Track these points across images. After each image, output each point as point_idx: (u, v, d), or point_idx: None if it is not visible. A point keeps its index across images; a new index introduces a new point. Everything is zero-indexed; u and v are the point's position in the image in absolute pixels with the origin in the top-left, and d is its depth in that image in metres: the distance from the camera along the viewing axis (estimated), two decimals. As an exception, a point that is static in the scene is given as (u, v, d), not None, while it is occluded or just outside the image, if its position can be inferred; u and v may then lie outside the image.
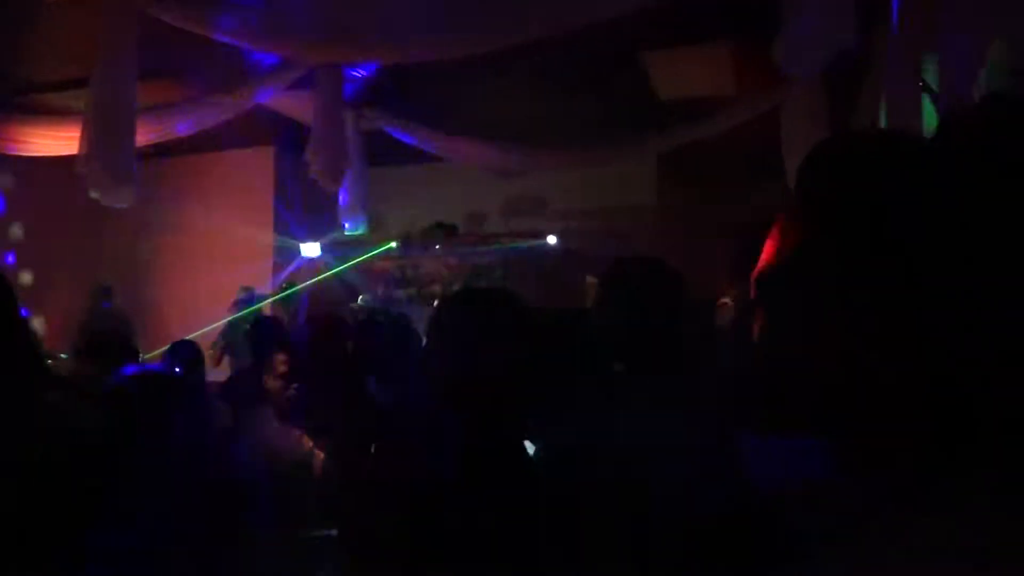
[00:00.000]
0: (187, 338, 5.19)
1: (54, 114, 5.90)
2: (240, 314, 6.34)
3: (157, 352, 5.12)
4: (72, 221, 7.29)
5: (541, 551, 1.40)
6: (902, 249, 0.66)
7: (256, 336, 4.03)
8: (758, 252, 0.76)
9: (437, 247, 8.13)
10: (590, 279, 7.16)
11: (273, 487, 2.86)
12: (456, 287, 7.78)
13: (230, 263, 7.62)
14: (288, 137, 7.14)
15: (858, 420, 0.69)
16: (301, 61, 5.35)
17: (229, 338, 6.02)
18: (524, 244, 8.23)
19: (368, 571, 1.82)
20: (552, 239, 8.16)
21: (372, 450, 2.08)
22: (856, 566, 0.65)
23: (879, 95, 4.15)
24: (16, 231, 7.58)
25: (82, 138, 4.42)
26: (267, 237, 8.09)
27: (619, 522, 1.43)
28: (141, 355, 4.95)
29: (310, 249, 8.07)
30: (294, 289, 6.99)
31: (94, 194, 4.50)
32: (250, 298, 6.70)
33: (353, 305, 7.02)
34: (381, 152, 7.10)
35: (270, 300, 6.93)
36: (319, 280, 7.68)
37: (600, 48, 5.55)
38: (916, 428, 0.65)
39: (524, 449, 1.66)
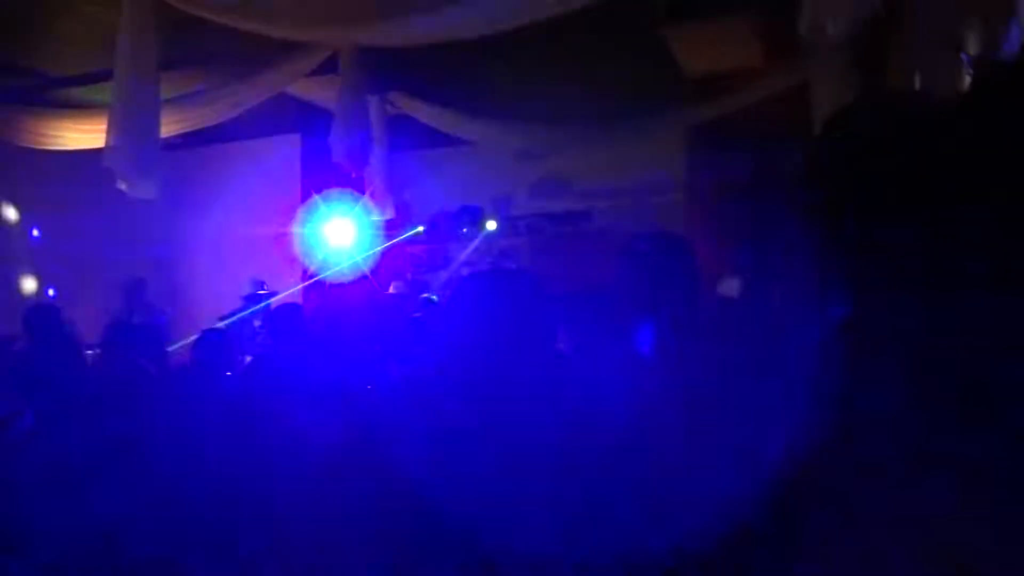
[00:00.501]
0: (217, 326, 5.27)
1: (80, 108, 5.98)
2: (251, 309, 6.41)
3: (188, 340, 5.18)
4: (105, 213, 7.39)
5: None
6: (916, 217, 0.63)
7: (275, 324, 4.06)
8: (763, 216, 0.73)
9: (464, 230, 8.11)
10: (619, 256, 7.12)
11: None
12: (479, 269, 7.79)
13: (258, 251, 7.69)
14: (314, 124, 7.16)
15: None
16: (322, 46, 5.34)
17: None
18: (551, 225, 8.19)
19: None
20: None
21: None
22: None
23: (911, 58, 4.04)
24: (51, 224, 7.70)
25: (108, 131, 4.45)
26: (295, 225, 8.12)
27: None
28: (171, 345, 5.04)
29: (338, 236, 8.11)
30: (315, 279, 7.02)
31: (122, 186, 4.54)
32: (258, 292, 6.75)
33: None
34: (405, 136, 7.09)
35: (290, 292, 6.97)
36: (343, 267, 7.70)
37: (624, 25, 5.47)
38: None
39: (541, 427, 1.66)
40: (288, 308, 5.05)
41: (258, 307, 6.43)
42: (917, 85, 3.75)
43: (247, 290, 6.76)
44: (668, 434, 1.57)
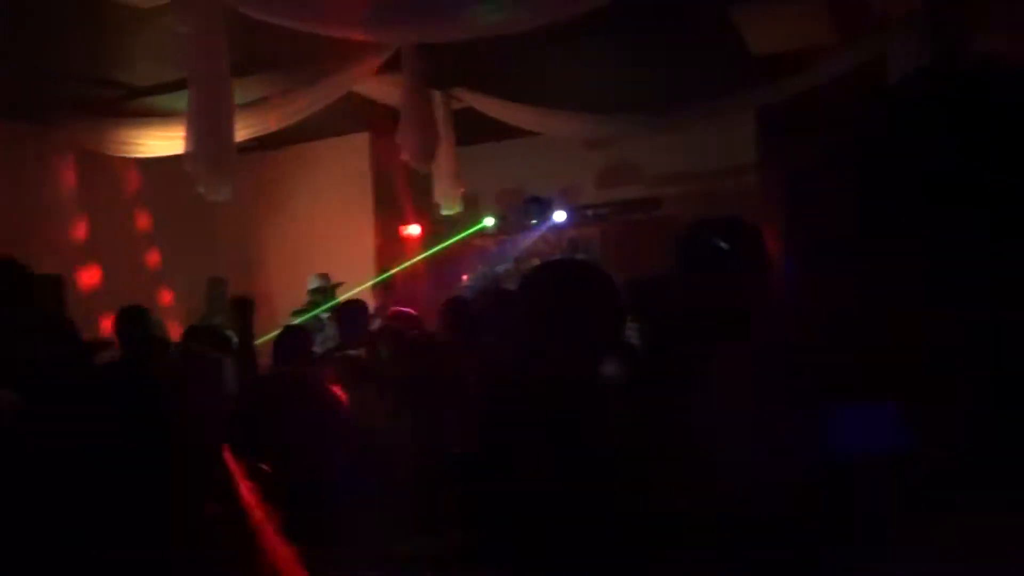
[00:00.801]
0: (294, 323, 5.41)
1: (160, 116, 6.21)
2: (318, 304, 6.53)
3: (268, 337, 5.33)
4: (190, 215, 7.67)
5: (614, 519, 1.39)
6: (980, 198, 0.59)
7: (344, 318, 4.14)
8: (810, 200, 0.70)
9: (533, 221, 8.11)
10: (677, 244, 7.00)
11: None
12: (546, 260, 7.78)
13: (333, 249, 7.85)
14: (381, 122, 7.26)
15: (933, 385, 0.63)
16: (386, 44, 5.41)
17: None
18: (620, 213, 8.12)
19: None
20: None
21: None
22: (931, 536, 0.60)
23: (993, 27, 3.86)
24: (146, 225, 8.02)
25: (186, 138, 4.61)
26: (367, 222, 8.27)
27: (688, 490, 1.39)
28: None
29: (410, 231, 8.22)
30: (388, 274, 7.12)
31: (200, 189, 4.70)
32: (324, 287, 6.87)
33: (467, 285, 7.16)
34: (472, 130, 7.13)
35: (361, 288, 7.08)
36: (413, 263, 7.81)
37: (690, 6, 5.37)
38: (991, 395, 0.59)
39: (600, 415, 1.65)
40: (354, 304, 5.18)
41: (325, 301, 6.56)
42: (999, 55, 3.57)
43: (313, 284, 6.89)
44: (735, 427, 1.55)
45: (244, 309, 3.98)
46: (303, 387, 3.28)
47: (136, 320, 4.72)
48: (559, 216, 8.03)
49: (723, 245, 1.67)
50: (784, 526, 1.20)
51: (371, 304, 6.54)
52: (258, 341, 6.11)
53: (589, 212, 8.24)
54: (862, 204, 0.66)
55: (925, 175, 0.63)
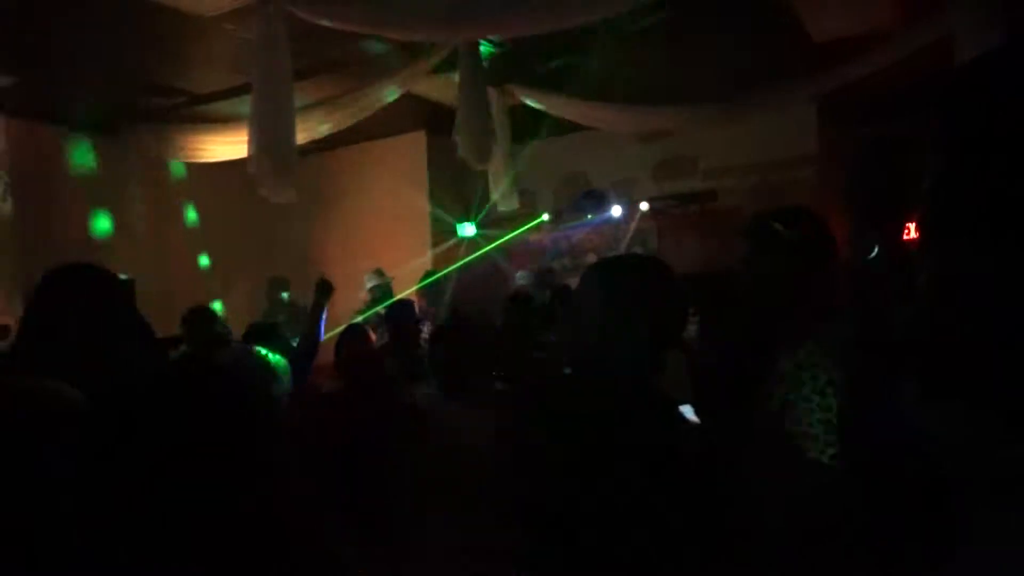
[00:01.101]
0: (355, 322, 5.49)
1: (223, 121, 6.36)
2: (375, 302, 6.59)
3: (329, 336, 5.42)
4: (249, 216, 7.87)
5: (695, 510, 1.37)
6: None
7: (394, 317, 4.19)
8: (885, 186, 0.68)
9: (588, 216, 8.09)
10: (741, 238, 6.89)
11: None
12: (611, 254, 7.74)
13: (391, 248, 7.95)
14: (437, 120, 7.32)
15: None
16: (441, 44, 5.45)
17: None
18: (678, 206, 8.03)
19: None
20: (645, 206, 7.94)
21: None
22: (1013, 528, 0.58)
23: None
24: (200, 228, 8.25)
25: (249, 141, 4.71)
26: (424, 220, 8.35)
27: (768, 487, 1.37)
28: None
29: (466, 229, 8.27)
30: (438, 275, 7.14)
31: (263, 192, 4.80)
32: (381, 283, 6.92)
33: (518, 280, 7.15)
34: (527, 127, 7.13)
35: (415, 288, 7.13)
36: (470, 260, 7.84)
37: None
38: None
39: (676, 412, 1.63)
40: (403, 304, 5.25)
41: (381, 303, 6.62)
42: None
43: (371, 281, 6.95)
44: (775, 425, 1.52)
45: (324, 290, 4.35)
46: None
47: (203, 319, 4.86)
48: (616, 210, 7.99)
49: (790, 235, 1.63)
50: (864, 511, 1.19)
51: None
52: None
53: (645, 205, 8.16)
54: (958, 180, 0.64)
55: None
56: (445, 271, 7.47)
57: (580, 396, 1.71)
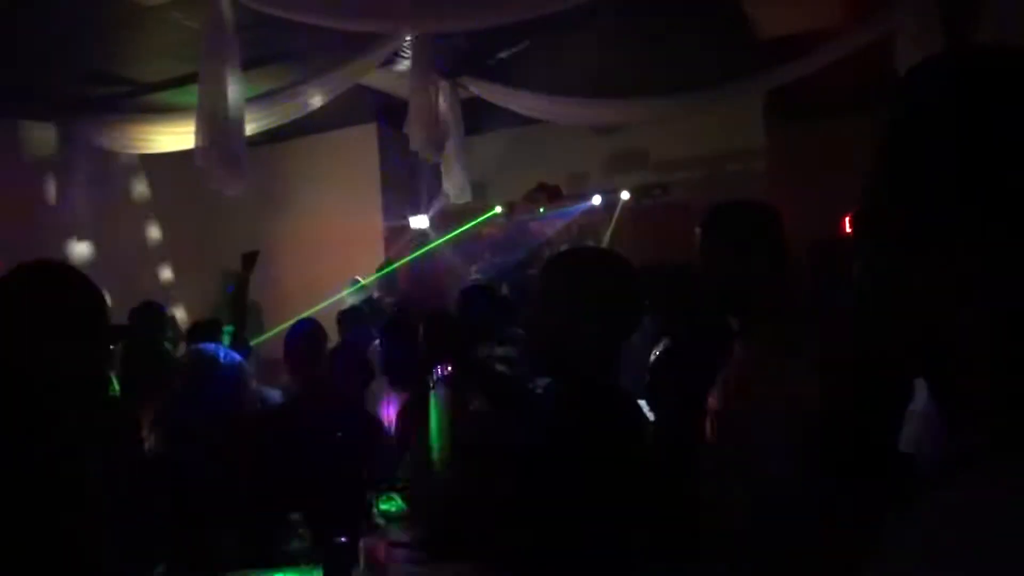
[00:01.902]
0: (306, 315, 5.42)
1: (169, 111, 6.22)
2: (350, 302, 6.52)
3: (280, 329, 5.36)
4: (198, 212, 7.73)
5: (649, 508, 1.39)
6: (1006, 182, 0.60)
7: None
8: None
9: (541, 210, 8.12)
10: (698, 231, 7.00)
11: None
12: (564, 248, 7.78)
13: (342, 241, 7.89)
14: (388, 112, 7.27)
15: (955, 372, 0.64)
16: (393, 35, 5.41)
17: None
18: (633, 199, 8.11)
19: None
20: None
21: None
22: (947, 515, 0.60)
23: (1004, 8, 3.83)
24: (154, 228, 8.07)
25: (197, 132, 4.62)
26: (376, 213, 8.30)
27: (730, 483, 1.40)
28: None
29: (418, 222, 8.23)
30: (393, 267, 7.11)
31: (212, 184, 4.72)
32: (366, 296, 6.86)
33: (469, 274, 7.15)
34: (479, 119, 7.12)
35: (373, 278, 7.09)
36: (423, 253, 7.83)
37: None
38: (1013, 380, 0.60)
39: (635, 407, 1.65)
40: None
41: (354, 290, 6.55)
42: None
43: (354, 294, 6.85)
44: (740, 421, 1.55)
45: (248, 261, 4.64)
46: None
47: (151, 316, 4.77)
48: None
49: (743, 230, 1.66)
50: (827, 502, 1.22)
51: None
52: (270, 333, 6.17)
53: (599, 199, 8.21)
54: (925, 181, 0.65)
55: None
56: (400, 262, 7.44)
57: (547, 394, 1.72)
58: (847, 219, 8.05)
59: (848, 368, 1.37)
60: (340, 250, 7.75)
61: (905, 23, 5.08)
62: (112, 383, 3.13)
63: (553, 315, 1.59)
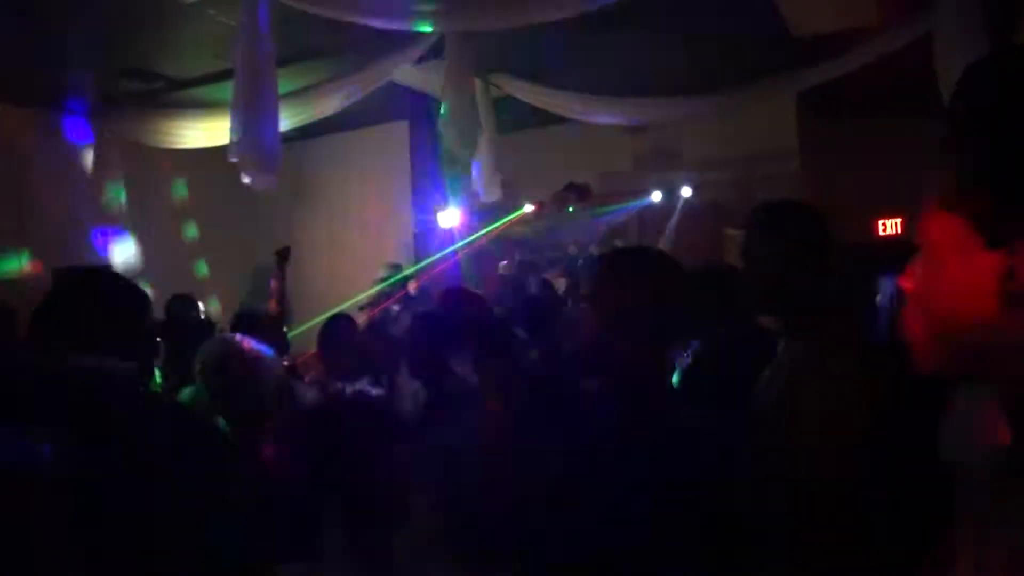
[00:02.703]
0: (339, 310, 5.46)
1: (203, 107, 6.30)
2: (381, 286, 6.54)
3: (312, 323, 5.40)
4: (232, 204, 7.82)
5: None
6: None
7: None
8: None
9: (570, 209, 8.10)
10: (729, 231, 6.94)
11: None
12: (592, 247, 7.76)
13: (373, 236, 7.93)
14: (420, 110, 7.29)
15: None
16: (428, 33, 5.43)
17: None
18: (659, 199, 8.06)
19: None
20: (687, 191, 7.96)
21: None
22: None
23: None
24: (191, 223, 8.17)
25: (231, 128, 4.66)
26: (406, 209, 8.33)
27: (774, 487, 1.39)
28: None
29: (448, 219, 8.25)
30: (426, 262, 7.12)
31: (245, 179, 4.76)
32: (395, 273, 6.88)
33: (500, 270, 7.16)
34: (512, 118, 7.12)
35: (411, 271, 7.11)
36: (456, 249, 7.84)
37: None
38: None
39: (671, 412, 1.63)
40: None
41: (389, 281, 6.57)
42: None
43: (383, 274, 6.88)
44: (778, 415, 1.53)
45: (283, 256, 4.80)
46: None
47: (185, 307, 4.84)
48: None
49: (798, 229, 1.62)
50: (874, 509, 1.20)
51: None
52: (301, 328, 6.22)
53: (626, 198, 8.19)
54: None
55: None
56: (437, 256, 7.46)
57: (595, 395, 1.69)
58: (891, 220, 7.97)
59: (892, 369, 1.35)
60: (370, 246, 7.80)
61: (944, 23, 4.99)
62: (155, 377, 3.19)
63: (605, 314, 1.58)
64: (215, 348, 2.48)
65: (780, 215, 1.68)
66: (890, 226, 8.04)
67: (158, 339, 3.14)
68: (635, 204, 8.07)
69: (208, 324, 4.53)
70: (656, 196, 8.00)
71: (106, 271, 1.66)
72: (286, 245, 4.91)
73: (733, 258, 2.94)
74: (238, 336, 2.55)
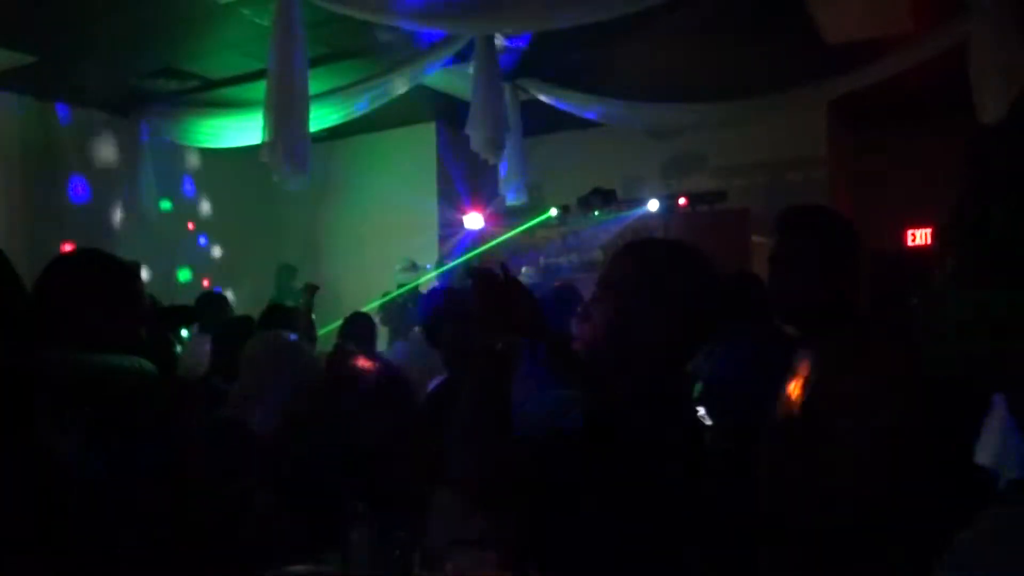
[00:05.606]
0: (361, 310, 5.51)
1: (236, 106, 6.37)
2: (400, 290, 6.56)
3: (334, 324, 5.44)
4: (258, 202, 7.91)
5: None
6: None
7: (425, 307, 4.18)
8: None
9: (596, 213, 8.07)
10: (756, 238, 6.89)
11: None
12: (642, 237, 7.69)
13: (398, 238, 7.97)
14: (447, 112, 7.33)
15: None
16: (458, 35, 5.46)
17: (387, 311, 6.18)
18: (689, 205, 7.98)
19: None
20: (716, 197, 7.89)
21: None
22: None
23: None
24: (207, 213, 8.26)
25: (264, 128, 4.72)
26: (432, 211, 8.36)
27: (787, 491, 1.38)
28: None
29: (473, 221, 8.27)
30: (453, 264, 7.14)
31: (276, 178, 4.81)
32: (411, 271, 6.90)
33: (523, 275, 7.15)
34: (538, 121, 7.13)
35: (433, 274, 7.14)
36: (480, 252, 7.85)
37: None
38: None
39: (692, 409, 1.60)
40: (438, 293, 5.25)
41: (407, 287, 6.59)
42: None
43: (400, 267, 6.91)
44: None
45: (310, 292, 5.11)
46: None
47: (216, 304, 4.89)
48: (652, 205, 7.89)
49: (830, 237, 1.60)
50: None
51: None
52: (325, 329, 6.25)
53: (655, 203, 8.12)
54: None
55: None
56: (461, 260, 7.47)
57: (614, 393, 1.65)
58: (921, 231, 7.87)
59: (920, 379, 1.34)
60: (396, 247, 7.83)
61: (980, 31, 4.93)
62: (174, 361, 3.25)
63: (624, 309, 1.44)
64: (265, 344, 2.55)
65: (810, 220, 1.65)
66: (919, 236, 7.93)
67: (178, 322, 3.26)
68: (632, 213, 7.96)
69: (249, 321, 4.58)
70: (653, 204, 7.90)
71: (94, 253, 1.68)
72: (316, 284, 5.47)
73: (759, 266, 2.92)
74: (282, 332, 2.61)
